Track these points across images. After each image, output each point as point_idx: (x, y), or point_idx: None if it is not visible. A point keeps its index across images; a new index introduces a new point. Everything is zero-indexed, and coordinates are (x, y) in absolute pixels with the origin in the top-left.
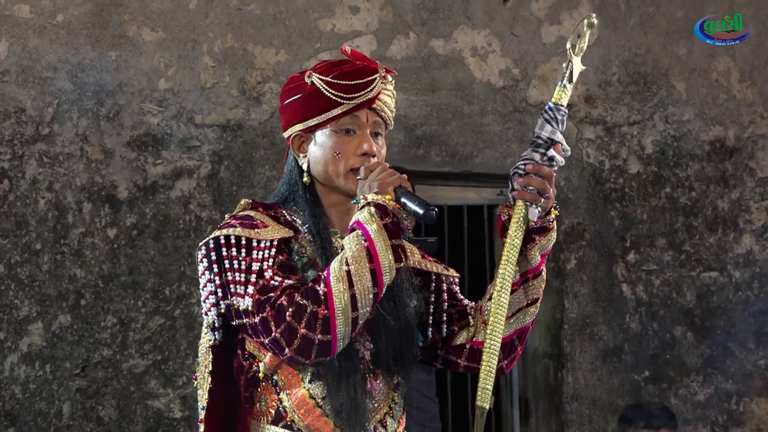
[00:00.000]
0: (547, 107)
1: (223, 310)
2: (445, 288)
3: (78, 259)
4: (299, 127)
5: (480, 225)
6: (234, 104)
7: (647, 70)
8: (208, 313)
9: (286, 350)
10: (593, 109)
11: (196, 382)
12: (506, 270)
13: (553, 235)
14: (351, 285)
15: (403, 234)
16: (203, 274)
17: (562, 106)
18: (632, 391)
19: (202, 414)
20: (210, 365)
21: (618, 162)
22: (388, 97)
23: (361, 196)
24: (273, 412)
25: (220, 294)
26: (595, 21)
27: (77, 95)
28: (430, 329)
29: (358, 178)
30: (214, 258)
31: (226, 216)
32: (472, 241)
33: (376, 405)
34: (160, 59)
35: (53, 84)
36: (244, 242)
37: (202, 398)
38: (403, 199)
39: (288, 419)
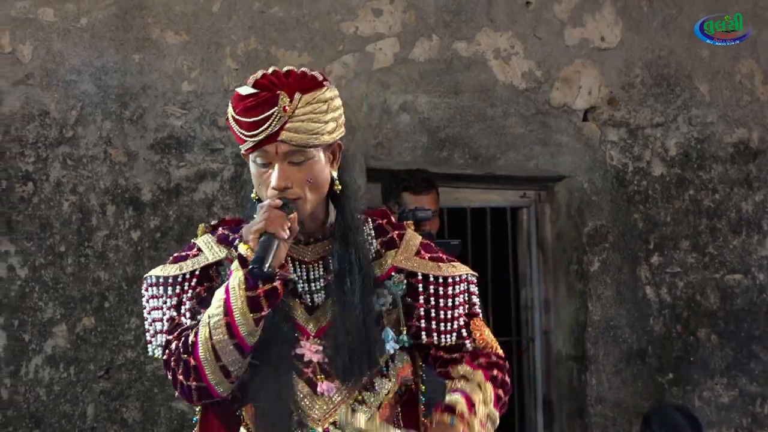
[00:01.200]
0: None
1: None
2: (432, 291)
3: (102, 261)
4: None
5: (503, 227)
6: None
7: (670, 72)
8: (151, 342)
9: (177, 392)
10: (616, 111)
11: None
12: None
13: None
14: (210, 336)
15: (260, 283)
16: (143, 308)
17: None
18: (656, 394)
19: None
20: None
21: (641, 164)
22: (300, 122)
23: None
24: (242, 418)
25: (153, 329)
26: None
27: (101, 98)
28: (418, 331)
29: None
30: (145, 297)
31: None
32: (495, 244)
33: (330, 406)
34: (183, 62)
35: (77, 87)
36: (161, 281)
37: (197, 410)
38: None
39: (244, 423)
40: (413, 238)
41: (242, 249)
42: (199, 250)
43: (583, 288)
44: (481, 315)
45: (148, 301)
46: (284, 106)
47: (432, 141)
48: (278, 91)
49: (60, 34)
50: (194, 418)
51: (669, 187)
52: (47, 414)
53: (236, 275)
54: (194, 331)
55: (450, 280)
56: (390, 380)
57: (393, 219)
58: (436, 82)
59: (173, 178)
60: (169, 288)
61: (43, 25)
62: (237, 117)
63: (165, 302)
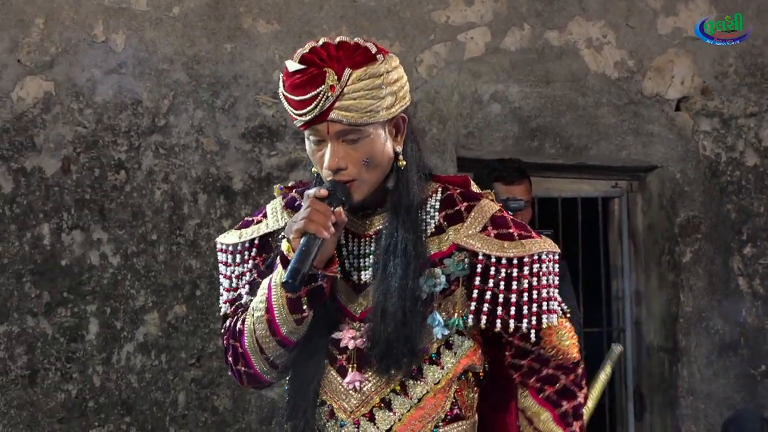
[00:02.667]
0: None
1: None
2: (493, 272)
3: (193, 249)
4: None
5: (594, 217)
6: None
7: (765, 62)
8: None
9: (230, 369)
10: (710, 101)
11: None
12: None
13: None
14: (254, 329)
15: (299, 284)
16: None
17: None
18: (748, 386)
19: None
20: None
21: (734, 154)
22: (352, 100)
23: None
24: None
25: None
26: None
27: (193, 87)
28: (480, 316)
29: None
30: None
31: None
32: (586, 234)
33: (362, 397)
34: (275, 51)
35: (169, 76)
36: (223, 248)
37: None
38: (296, 251)
39: None
40: (485, 210)
41: (284, 247)
42: (265, 215)
43: (674, 279)
44: (555, 303)
45: (218, 265)
46: (332, 85)
47: (523, 130)
48: (325, 68)
49: (152, 23)
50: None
51: (762, 177)
52: (138, 401)
53: (279, 272)
54: (241, 317)
55: (515, 261)
56: (442, 368)
57: (473, 188)
58: (528, 71)
59: (264, 167)
60: (229, 256)
61: (136, 14)
62: (286, 94)
63: (226, 270)
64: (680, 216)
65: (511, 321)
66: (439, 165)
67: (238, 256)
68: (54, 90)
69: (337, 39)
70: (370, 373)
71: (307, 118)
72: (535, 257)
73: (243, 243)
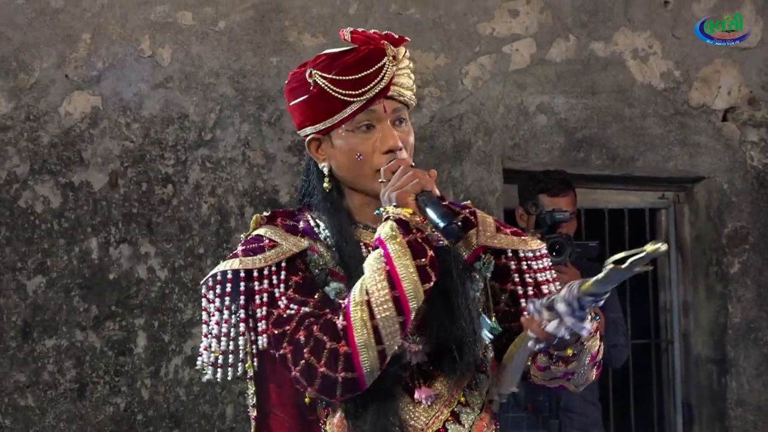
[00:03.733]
0: (573, 291)
1: (234, 347)
2: (525, 267)
3: None
4: (312, 129)
5: (641, 229)
6: None
7: None
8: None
9: (309, 389)
10: (757, 111)
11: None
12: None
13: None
14: (372, 316)
15: (429, 250)
16: (207, 311)
17: (585, 299)
18: None
19: None
20: (252, 398)
21: None
22: (404, 77)
23: (382, 208)
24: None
25: (224, 331)
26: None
27: (239, 101)
28: (506, 315)
29: (380, 181)
30: (216, 294)
31: (242, 236)
32: (633, 245)
33: (431, 413)
34: None
35: (215, 90)
36: (243, 275)
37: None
38: (424, 210)
39: None
40: (484, 215)
41: (399, 212)
42: (273, 241)
43: (722, 290)
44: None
45: (215, 300)
46: (393, 55)
47: (569, 142)
48: (382, 41)
49: (198, 37)
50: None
51: None
52: (187, 414)
53: (394, 244)
54: (340, 315)
55: (539, 253)
56: (488, 376)
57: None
58: (573, 82)
59: None
60: (256, 283)
61: (182, 28)
62: (336, 78)
63: (254, 298)
64: (728, 227)
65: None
66: (485, 177)
67: (265, 281)
68: (101, 105)
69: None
70: (438, 387)
71: (372, 93)
72: (544, 251)
73: (270, 267)
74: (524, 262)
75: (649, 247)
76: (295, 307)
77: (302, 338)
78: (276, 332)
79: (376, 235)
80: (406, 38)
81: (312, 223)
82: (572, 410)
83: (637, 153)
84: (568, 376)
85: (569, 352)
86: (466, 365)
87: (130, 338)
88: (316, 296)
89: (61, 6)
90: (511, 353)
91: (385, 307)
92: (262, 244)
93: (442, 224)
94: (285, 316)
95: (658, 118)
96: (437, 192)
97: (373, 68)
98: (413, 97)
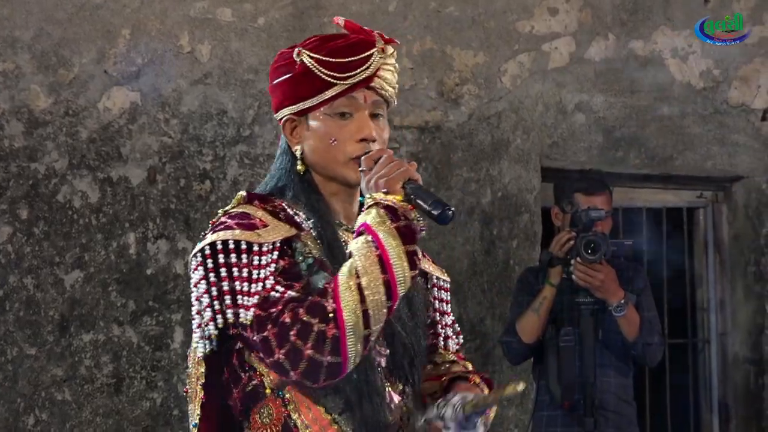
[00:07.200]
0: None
1: (221, 324)
2: (435, 294)
3: None
4: (290, 110)
5: (680, 228)
6: (432, 106)
7: None
8: (208, 325)
9: (291, 373)
10: None
11: (187, 396)
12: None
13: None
14: (363, 299)
15: (417, 237)
16: (199, 282)
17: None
18: None
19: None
20: (203, 377)
21: None
22: (389, 72)
23: (368, 195)
24: (280, 426)
25: (217, 306)
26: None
27: None
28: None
29: (361, 169)
30: (211, 265)
31: (220, 212)
32: (671, 245)
33: (397, 416)
34: None
35: (254, 86)
36: (244, 247)
37: (194, 414)
38: (415, 198)
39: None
40: None
41: (390, 199)
42: (263, 221)
43: (760, 290)
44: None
45: (216, 270)
46: (382, 48)
47: (607, 141)
48: (375, 32)
49: (237, 33)
50: (193, 423)
51: None
52: None
53: (384, 229)
54: (329, 298)
55: (447, 285)
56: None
57: None
58: (612, 81)
59: None
60: (255, 257)
61: (221, 25)
62: (324, 58)
63: (250, 273)
64: (766, 226)
65: (450, 340)
66: (523, 175)
67: (263, 257)
68: (140, 100)
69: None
70: (401, 389)
71: (357, 78)
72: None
73: (266, 244)
74: (435, 290)
75: (509, 389)
76: (281, 289)
77: (288, 320)
78: (262, 314)
79: (358, 222)
80: (396, 41)
81: (291, 212)
82: (607, 408)
83: (676, 152)
84: None
85: None
86: (416, 375)
87: (167, 333)
88: (299, 282)
89: (100, 2)
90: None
91: (377, 290)
92: (253, 222)
93: (435, 212)
94: (271, 297)
95: (696, 117)
96: (421, 181)
97: (361, 56)
98: (394, 96)
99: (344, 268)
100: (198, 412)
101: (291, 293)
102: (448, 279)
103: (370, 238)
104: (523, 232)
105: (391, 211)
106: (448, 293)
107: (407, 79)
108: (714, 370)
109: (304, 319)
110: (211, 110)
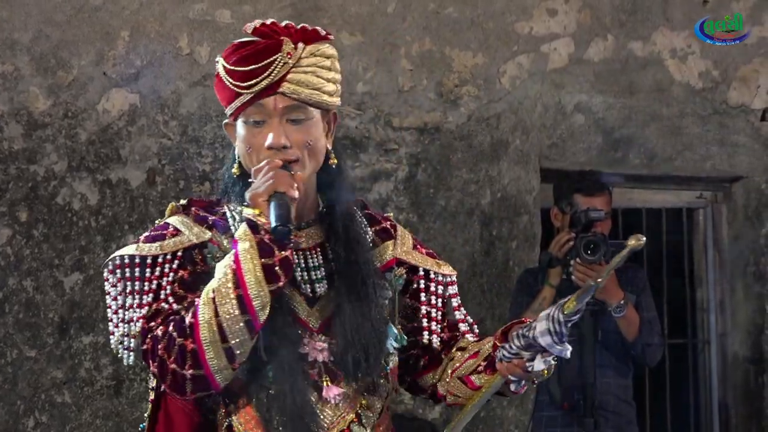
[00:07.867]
0: (557, 318)
1: (119, 336)
2: (433, 288)
3: None
4: (227, 112)
5: (679, 228)
6: (431, 107)
7: None
8: (113, 335)
9: (163, 385)
10: None
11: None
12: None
13: None
14: (216, 314)
15: (278, 250)
16: (107, 294)
17: (571, 319)
18: None
19: None
20: (152, 381)
21: None
22: (309, 74)
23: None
24: (223, 428)
25: (115, 320)
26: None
27: None
28: (414, 330)
29: (249, 180)
30: (112, 280)
31: (157, 222)
32: (671, 245)
33: (337, 413)
34: (358, 63)
35: None
36: (138, 261)
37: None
38: (269, 209)
39: None
40: (405, 230)
41: (250, 213)
42: (177, 230)
43: (760, 290)
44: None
45: (115, 285)
46: (288, 52)
47: (607, 141)
48: (282, 37)
49: (237, 35)
50: (141, 426)
51: None
52: None
53: (245, 244)
54: (191, 311)
55: (449, 279)
56: (389, 381)
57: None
58: (611, 82)
59: None
60: (148, 270)
61: (220, 26)
62: (231, 68)
63: (142, 286)
64: (766, 227)
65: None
66: (522, 176)
67: (158, 269)
68: (139, 102)
69: (284, 22)
70: (344, 388)
71: (259, 87)
72: (455, 279)
73: (165, 255)
74: (433, 284)
75: (631, 242)
76: (171, 301)
77: (159, 334)
78: (145, 327)
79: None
80: (325, 35)
81: (228, 215)
82: (607, 409)
83: (675, 153)
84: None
85: (545, 373)
86: (369, 369)
87: None
88: (197, 293)
89: (99, 4)
90: (469, 395)
91: (229, 306)
92: (164, 232)
93: (272, 225)
94: (160, 309)
95: (696, 117)
96: (295, 194)
97: (263, 63)
98: (320, 96)
99: (209, 283)
100: (147, 413)
101: (176, 306)
102: (451, 272)
103: (232, 252)
104: (522, 233)
105: (251, 226)
106: (448, 287)
107: (407, 81)
108: (714, 370)
109: (170, 332)
110: (210, 112)
